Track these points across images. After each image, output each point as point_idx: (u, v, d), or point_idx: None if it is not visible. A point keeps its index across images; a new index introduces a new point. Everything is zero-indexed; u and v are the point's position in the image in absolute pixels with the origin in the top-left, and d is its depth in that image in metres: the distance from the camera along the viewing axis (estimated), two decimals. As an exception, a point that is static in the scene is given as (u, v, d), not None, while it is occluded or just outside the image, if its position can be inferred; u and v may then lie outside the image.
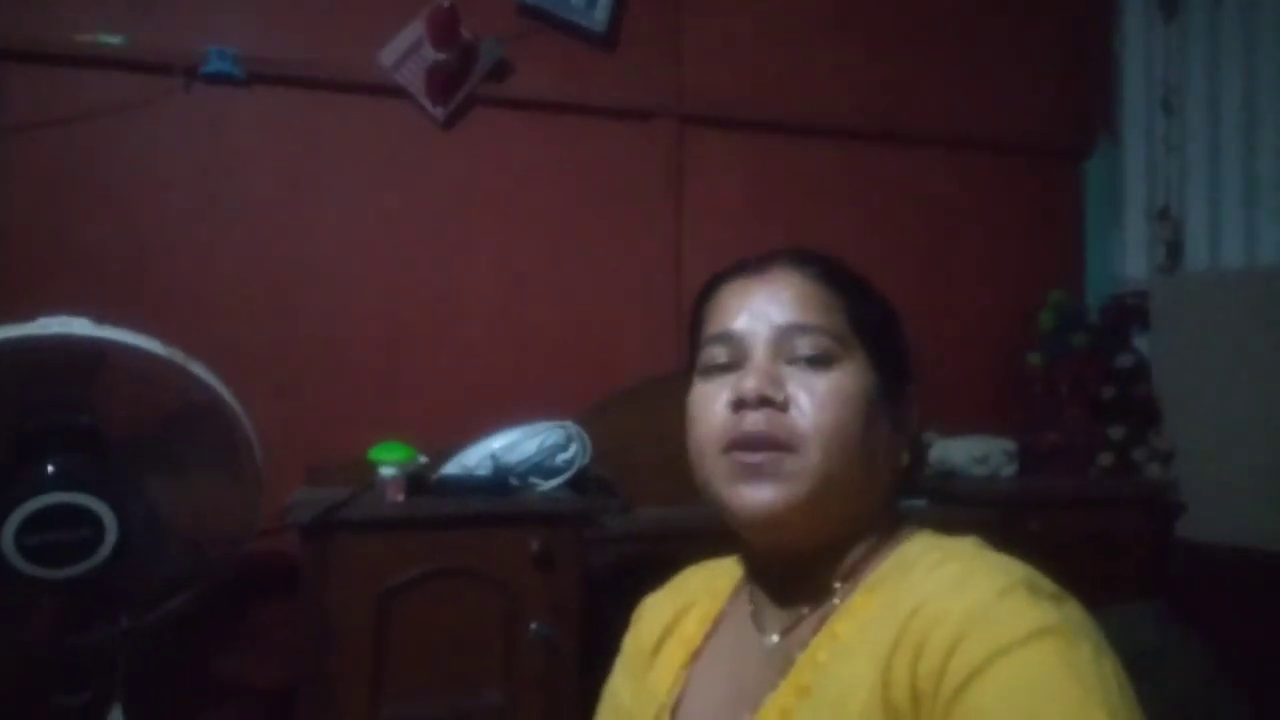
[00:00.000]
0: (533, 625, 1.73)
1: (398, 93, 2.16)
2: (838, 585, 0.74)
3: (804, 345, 0.74)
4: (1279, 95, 2.30)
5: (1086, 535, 2.17)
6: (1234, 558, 2.19)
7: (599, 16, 2.28)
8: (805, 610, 0.75)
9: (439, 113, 2.19)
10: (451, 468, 1.93)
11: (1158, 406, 2.46)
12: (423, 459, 1.86)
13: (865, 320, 0.77)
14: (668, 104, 2.36)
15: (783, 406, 0.72)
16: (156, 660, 1.55)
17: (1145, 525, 2.29)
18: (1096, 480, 2.41)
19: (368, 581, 1.67)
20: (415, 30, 2.14)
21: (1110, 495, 2.34)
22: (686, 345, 0.84)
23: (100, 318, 1.44)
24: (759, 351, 0.74)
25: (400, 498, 1.74)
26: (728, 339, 0.76)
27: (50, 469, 1.39)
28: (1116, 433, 2.42)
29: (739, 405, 0.73)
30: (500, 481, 1.85)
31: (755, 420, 0.71)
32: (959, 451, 2.37)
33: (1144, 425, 2.45)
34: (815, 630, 0.72)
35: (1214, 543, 2.26)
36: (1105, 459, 2.42)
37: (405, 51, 2.15)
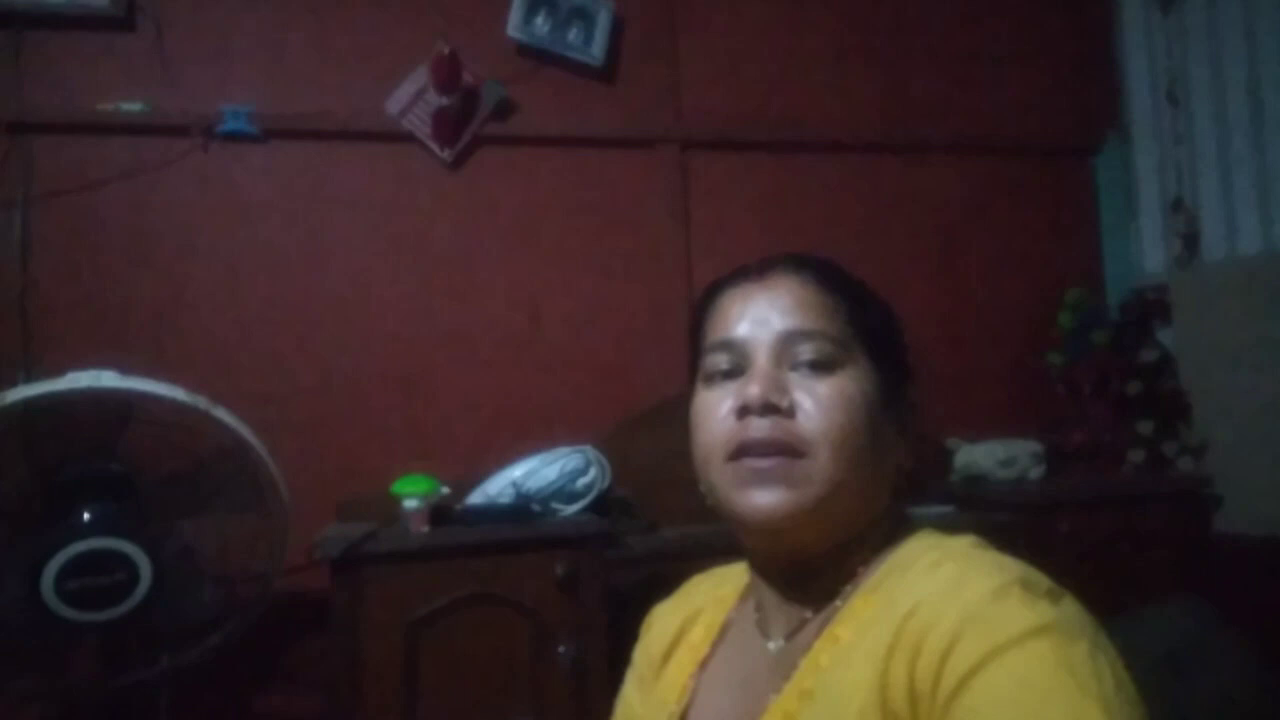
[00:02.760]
0: (560, 648, 1.74)
1: (406, 138, 2.23)
2: (841, 588, 0.74)
3: (806, 350, 0.74)
4: (1283, 78, 2.28)
5: (1120, 533, 2.14)
6: (1271, 548, 2.14)
7: (596, 51, 2.34)
8: (809, 614, 0.75)
9: (447, 155, 2.25)
10: (475, 497, 1.96)
11: (1186, 399, 2.42)
12: (445, 490, 1.90)
13: (865, 323, 0.77)
14: (669, 130, 2.41)
15: (788, 412, 0.71)
16: (195, 699, 1.60)
17: (1180, 520, 2.25)
18: (1127, 477, 2.37)
19: (396, 612, 1.70)
20: (419, 77, 2.22)
21: (1141, 492, 2.30)
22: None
23: (128, 370, 1.51)
24: (762, 358, 0.74)
25: (424, 529, 1.78)
26: (730, 346, 0.76)
27: (86, 516, 1.46)
28: (1145, 428, 2.38)
29: (744, 412, 0.72)
30: (522, 508, 1.88)
31: (761, 426, 0.71)
32: (985, 455, 2.35)
33: (1173, 419, 2.41)
34: (818, 634, 0.72)
35: (1252, 534, 2.21)
36: (1136, 455, 2.38)
37: (411, 98, 2.22)
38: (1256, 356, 2.26)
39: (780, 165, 2.49)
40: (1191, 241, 2.52)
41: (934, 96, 2.62)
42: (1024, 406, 2.53)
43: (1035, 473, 2.36)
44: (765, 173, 2.48)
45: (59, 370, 1.52)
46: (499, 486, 1.95)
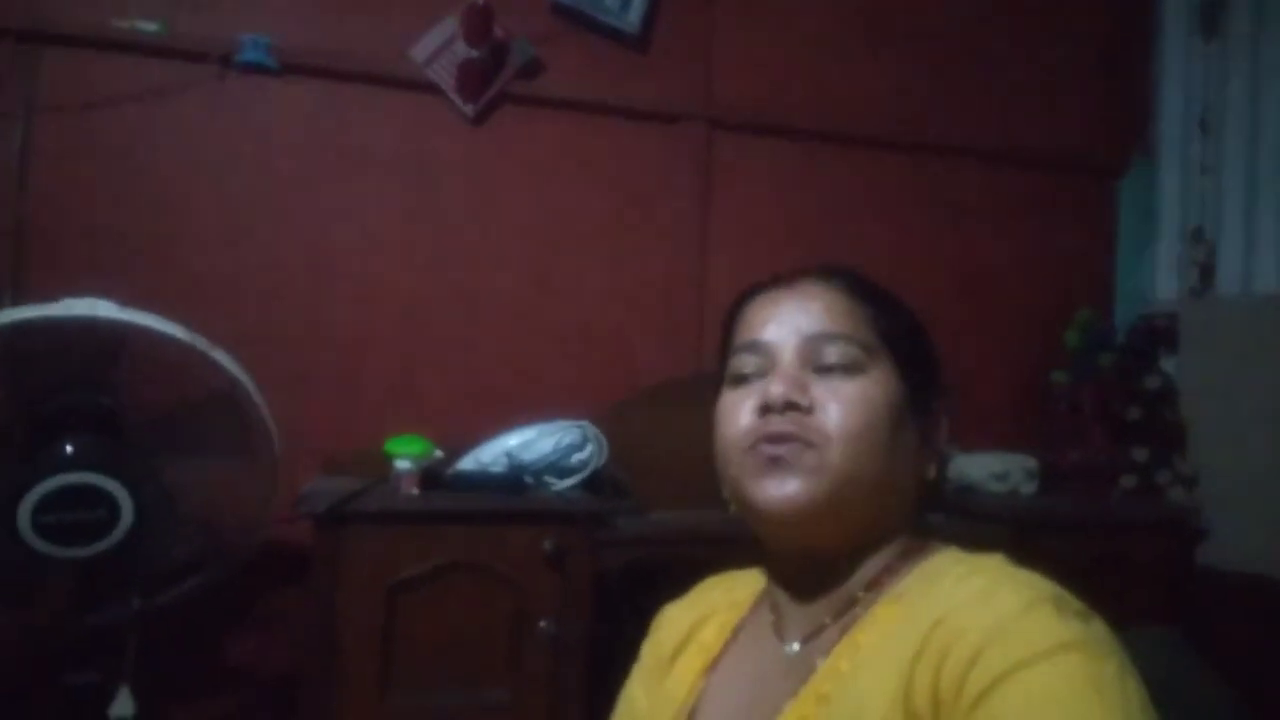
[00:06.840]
0: (542, 623, 1.72)
1: (428, 88, 2.16)
2: (860, 594, 0.74)
3: (831, 354, 0.75)
4: (1319, 118, 2.26)
5: (1105, 558, 2.13)
6: (1255, 586, 2.15)
7: (632, 18, 2.27)
8: (827, 619, 0.75)
9: (469, 109, 2.19)
10: (467, 463, 1.93)
11: (1183, 430, 2.42)
12: (438, 453, 1.86)
13: (893, 331, 0.78)
14: (697, 108, 2.35)
15: (808, 410, 0.73)
16: (166, 643, 1.56)
17: (1165, 550, 2.25)
18: (1117, 503, 2.36)
19: (378, 573, 1.67)
20: (448, 27, 2.15)
21: (1131, 518, 2.30)
22: (708, 348, 0.84)
23: (125, 301, 1.46)
24: (787, 359, 0.76)
25: (415, 491, 1.74)
26: (756, 348, 0.78)
27: (69, 449, 1.41)
28: (1140, 454, 2.38)
29: (765, 410, 0.74)
30: (515, 479, 1.85)
31: (781, 421, 0.72)
32: (978, 467, 2.34)
33: (1168, 448, 2.40)
34: (837, 639, 0.72)
35: (1235, 570, 2.21)
36: (1129, 480, 2.38)
37: (438, 48, 2.15)
38: (1258, 395, 2.25)
39: (805, 154, 2.44)
40: (1207, 273, 2.50)
41: (965, 101, 2.58)
42: (1022, 420, 2.52)
43: (1027, 488, 2.35)
44: (790, 159, 2.43)
45: (48, 294, 1.46)
46: (493, 455, 1.91)
